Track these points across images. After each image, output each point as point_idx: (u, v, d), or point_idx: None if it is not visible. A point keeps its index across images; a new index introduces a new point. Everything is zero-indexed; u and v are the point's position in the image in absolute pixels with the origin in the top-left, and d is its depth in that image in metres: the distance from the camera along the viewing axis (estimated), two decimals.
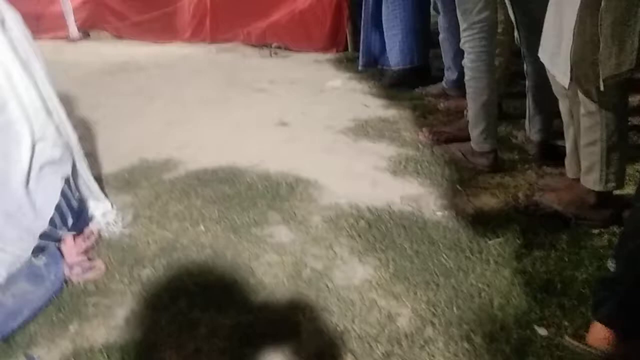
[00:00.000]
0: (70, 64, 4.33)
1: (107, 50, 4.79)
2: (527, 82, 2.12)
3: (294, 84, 3.37)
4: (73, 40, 5.21)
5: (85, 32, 5.36)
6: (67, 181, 1.61)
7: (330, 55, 4.05)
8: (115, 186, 2.05)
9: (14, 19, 1.44)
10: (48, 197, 1.52)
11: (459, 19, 1.97)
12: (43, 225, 1.49)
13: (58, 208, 1.55)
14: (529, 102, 2.14)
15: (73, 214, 1.62)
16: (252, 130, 2.59)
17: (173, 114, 2.85)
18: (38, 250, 1.48)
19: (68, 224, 1.60)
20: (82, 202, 1.71)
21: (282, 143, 2.41)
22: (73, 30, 5.26)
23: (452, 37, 2.68)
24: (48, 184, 1.54)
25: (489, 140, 2.07)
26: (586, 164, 1.62)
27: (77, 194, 1.67)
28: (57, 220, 1.55)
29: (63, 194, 1.58)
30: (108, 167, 2.21)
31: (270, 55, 4.22)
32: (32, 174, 1.47)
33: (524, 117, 2.21)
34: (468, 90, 2.04)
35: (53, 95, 1.60)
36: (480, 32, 1.91)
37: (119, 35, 5.23)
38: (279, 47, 4.31)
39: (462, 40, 1.99)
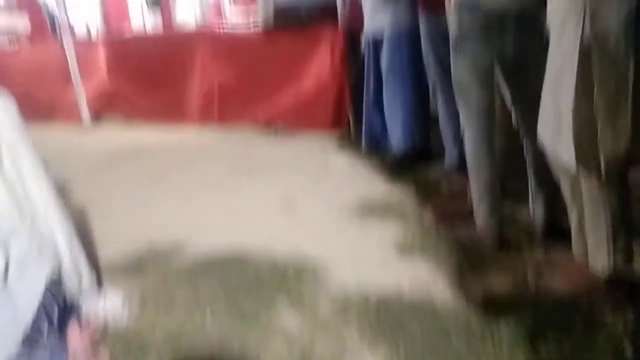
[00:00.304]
0: (82, 149, 4.48)
1: (117, 135, 4.96)
2: (527, 160, 2.16)
3: (299, 164, 3.45)
4: (85, 125, 5.41)
5: (97, 116, 5.57)
6: (53, 276, 1.51)
7: (333, 136, 4.17)
8: (122, 272, 2.05)
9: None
10: (29, 295, 1.42)
11: (457, 104, 2.06)
12: (25, 323, 1.39)
13: (43, 305, 1.46)
14: (530, 180, 2.18)
15: (61, 309, 1.53)
16: (259, 213, 2.62)
17: (180, 199, 2.90)
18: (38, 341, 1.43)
19: (54, 322, 1.50)
20: (73, 296, 1.63)
21: (288, 225, 2.43)
22: (85, 115, 5.47)
23: (451, 122, 2.77)
24: (27, 281, 1.43)
25: (494, 219, 2.08)
26: (592, 244, 1.63)
27: (67, 288, 1.59)
28: (43, 317, 1.46)
29: (50, 290, 1.48)
30: (115, 252, 2.21)
31: (275, 136, 4.36)
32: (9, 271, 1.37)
33: (527, 194, 2.24)
34: (470, 171, 2.08)
35: (38, 186, 1.47)
36: (478, 115, 1.98)
37: (129, 119, 5.43)
38: (284, 128, 4.46)
39: (461, 121, 2.06)
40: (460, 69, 1.95)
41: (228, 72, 4.92)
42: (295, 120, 4.41)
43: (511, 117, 2.25)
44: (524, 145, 2.14)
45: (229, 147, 4.12)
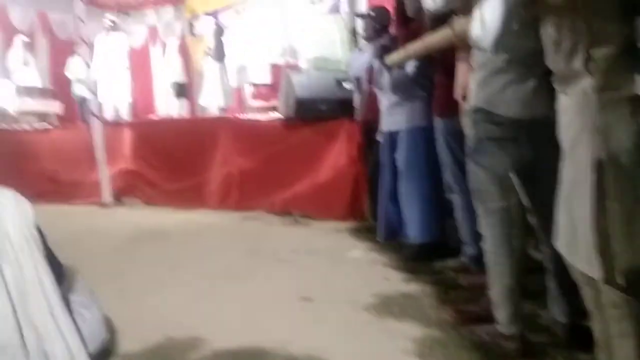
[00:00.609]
0: (102, 230, 4.56)
1: (137, 217, 5.06)
2: (545, 264, 2.17)
3: (316, 254, 3.46)
4: (106, 207, 5.54)
5: (118, 198, 5.72)
6: None
7: (349, 225, 4.22)
8: None
9: (14, 214, 1.36)
10: None
11: (474, 205, 2.10)
12: None
13: None
14: (549, 284, 2.17)
15: None
16: (276, 306, 2.61)
17: (197, 287, 2.91)
18: None
19: None
20: None
21: (305, 321, 2.41)
22: (107, 196, 5.62)
23: (468, 215, 2.81)
24: None
25: (516, 323, 2.05)
26: (620, 356, 1.59)
27: None
28: None
29: None
30: (132, 344, 2.20)
31: (292, 223, 4.41)
32: None
33: (547, 294, 2.22)
34: (489, 274, 2.09)
35: (38, 302, 1.37)
36: (498, 220, 2.01)
37: (149, 202, 5.57)
38: (301, 216, 4.52)
39: (479, 225, 2.10)
40: (478, 176, 2.01)
41: (248, 159, 5.10)
42: (312, 208, 4.50)
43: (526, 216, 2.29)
44: (543, 249, 2.15)
45: (247, 234, 4.17)
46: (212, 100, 8.33)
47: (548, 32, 1.49)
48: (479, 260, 2.79)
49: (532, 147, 1.92)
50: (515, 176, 2.04)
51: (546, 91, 1.83)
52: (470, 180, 2.07)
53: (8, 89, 6.97)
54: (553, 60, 1.53)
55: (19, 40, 7.83)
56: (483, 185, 2.01)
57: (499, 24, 1.49)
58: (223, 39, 8.60)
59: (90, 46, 6.15)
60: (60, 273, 1.63)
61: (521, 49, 1.77)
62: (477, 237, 2.66)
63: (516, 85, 1.84)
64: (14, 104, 6.93)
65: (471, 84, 1.98)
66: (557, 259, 1.95)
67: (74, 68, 7.93)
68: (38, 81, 7.89)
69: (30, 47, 8.02)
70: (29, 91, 7.38)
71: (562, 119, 1.62)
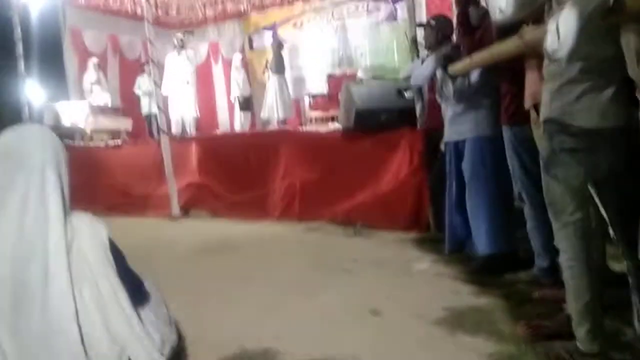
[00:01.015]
0: (171, 242, 4.76)
1: (204, 229, 5.25)
2: (630, 279, 2.06)
3: (380, 265, 3.46)
4: (174, 219, 5.77)
5: (186, 210, 5.95)
6: None
7: (413, 235, 4.18)
8: None
9: (90, 237, 1.40)
10: None
11: (550, 218, 2.04)
12: None
13: None
14: (633, 298, 2.06)
15: None
16: (344, 319, 2.62)
17: (267, 299, 2.98)
18: None
19: None
20: None
21: (375, 335, 2.41)
22: (175, 209, 5.85)
23: (540, 225, 2.72)
24: None
25: (597, 340, 1.97)
26: None
27: None
28: None
29: None
30: (207, 355, 2.28)
31: (355, 234, 4.43)
32: None
33: (629, 309, 2.11)
34: (568, 289, 2.01)
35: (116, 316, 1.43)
36: (575, 232, 1.94)
37: (215, 214, 5.75)
38: (363, 226, 4.52)
39: (556, 239, 2.03)
40: (552, 188, 1.95)
41: (310, 170, 5.17)
42: (375, 219, 4.49)
43: (606, 228, 2.19)
44: (626, 262, 2.05)
45: (311, 245, 4.23)
46: (273, 113, 8.52)
47: (630, 40, 1.44)
48: (552, 272, 2.71)
49: (609, 157, 1.85)
50: (592, 187, 1.97)
51: (623, 100, 1.77)
52: (545, 193, 2.01)
53: (83, 109, 7.44)
54: (634, 70, 1.47)
55: (92, 62, 8.34)
56: (558, 197, 1.95)
57: (575, 36, 1.46)
58: (282, 52, 8.79)
59: (158, 65, 6.45)
60: (138, 288, 1.72)
61: (597, 57, 1.71)
62: (549, 248, 2.58)
63: (592, 94, 1.77)
64: (88, 123, 7.38)
65: (544, 94, 1.92)
66: None
67: (142, 86, 8.35)
68: (109, 100, 8.37)
69: (102, 68, 8.53)
70: (101, 110, 7.85)
71: None
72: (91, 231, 1.40)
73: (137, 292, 1.64)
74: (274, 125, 8.57)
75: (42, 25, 8.04)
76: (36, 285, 1.22)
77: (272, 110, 8.49)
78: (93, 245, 1.38)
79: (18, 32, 6.87)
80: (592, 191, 1.96)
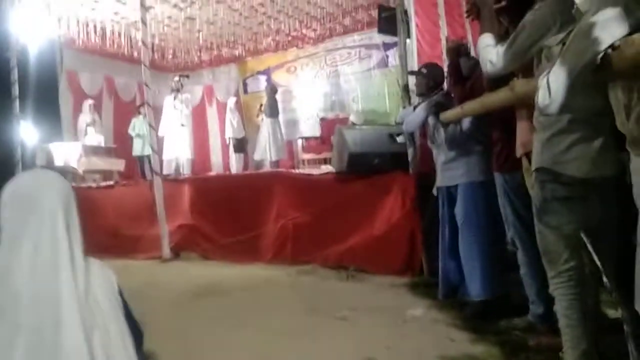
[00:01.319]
0: (161, 285, 4.68)
1: (195, 271, 5.17)
2: (626, 327, 2.06)
3: (374, 312, 3.42)
4: (165, 260, 5.70)
5: (177, 252, 5.88)
6: None
7: (406, 280, 4.16)
8: None
9: (101, 282, 1.40)
10: None
11: (544, 266, 2.05)
12: None
13: None
14: (631, 348, 2.05)
15: None
16: None
17: (259, 346, 2.92)
18: None
19: None
20: None
21: None
22: (166, 251, 5.78)
23: (532, 272, 2.73)
24: None
25: None
26: None
27: None
28: None
29: None
30: None
31: (347, 278, 4.39)
32: None
33: (626, 357, 2.10)
34: (564, 337, 2.00)
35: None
36: (569, 280, 1.95)
37: (206, 256, 5.69)
38: (356, 270, 4.50)
39: (551, 287, 2.03)
40: (546, 236, 1.97)
41: (302, 212, 5.17)
42: (367, 262, 4.47)
43: (600, 275, 2.20)
44: (621, 310, 2.06)
45: (303, 289, 4.18)
46: (265, 154, 8.59)
47: (617, 95, 1.50)
48: (547, 319, 2.69)
49: (602, 206, 1.88)
50: (585, 236, 1.99)
51: (613, 150, 1.81)
52: (538, 241, 2.03)
53: (76, 150, 7.46)
54: (623, 124, 1.52)
55: (88, 104, 8.42)
56: (551, 245, 1.97)
57: (565, 92, 1.51)
58: (277, 96, 8.95)
59: (153, 107, 6.53)
60: (139, 333, 1.71)
61: (586, 109, 1.77)
62: (544, 294, 2.57)
63: (582, 144, 1.82)
64: (81, 163, 7.38)
65: (535, 143, 1.97)
66: (638, 320, 1.87)
67: (137, 127, 8.40)
68: (103, 141, 8.40)
69: (97, 109, 8.61)
70: (94, 150, 7.87)
71: (636, 180, 1.59)
72: (103, 276, 1.40)
73: (138, 337, 1.62)
74: (266, 167, 8.63)
75: (39, 67, 8.15)
76: (49, 330, 1.22)
77: (264, 152, 8.58)
78: (105, 290, 1.39)
79: (15, 74, 6.94)
80: (585, 239, 1.98)
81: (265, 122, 8.65)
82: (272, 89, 8.90)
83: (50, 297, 1.23)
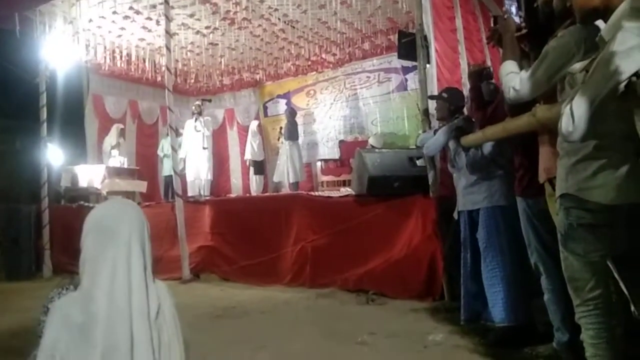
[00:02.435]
0: (181, 305, 4.66)
1: (214, 293, 5.20)
2: None
3: (395, 337, 3.38)
4: (185, 281, 5.74)
5: (196, 273, 5.93)
6: None
7: (426, 304, 4.11)
8: None
9: (168, 303, 1.53)
10: None
11: (570, 294, 2.02)
12: None
13: None
14: None
15: None
16: None
17: None
18: None
19: None
20: None
21: None
22: (186, 272, 5.83)
23: (557, 298, 2.68)
24: None
25: None
26: None
27: None
28: None
29: None
30: None
31: (367, 302, 4.36)
32: None
33: None
34: None
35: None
36: (595, 309, 1.91)
37: (225, 278, 5.72)
38: (375, 294, 4.47)
39: (577, 315, 1.99)
40: (571, 263, 1.93)
41: (321, 235, 5.18)
42: (387, 286, 4.44)
43: (628, 304, 2.16)
44: None
45: (322, 313, 4.16)
46: (284, 177, 8.65)
47: None
48: (573, 347, 2.63)
49: (629, 232, 1.84)
50: (612, 263, 1.95)
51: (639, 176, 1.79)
52: (563, 268, 2.00)
53: (100, 172, 7.61)
54: None
55: (117, 127, 8.63)
56: (577, 273, 1.93)
57: (588, 119, 1.51)
58: (296, 119, 9.05)
59: (175, 130, 6.66)
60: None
61: (612, 134, 1.75)
62: (569, 322, 2.53)
63: (608, 170, 1.78)
64: (104, 185, 7.52)
65: (559, 169, 1.96)
66: None
67: (166, 148, 8.50)
68: (125, 162, 8.56)
69: (121, 132, 8.80)
70: (118, 172, 8.01)
71: None
72: (169, 297, 1.55)
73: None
74: (286, 189, 8.67)
75: (66, 91, 8.40)
76: (124, 348, 1.36)
77: (283, 174, 8.65)
78: (170, 310, 1.52)
79: (44, 99, 7.18)
80: (612, 267, 1.94)
81: (284, 145, 8.74)
82: (292, 113, 9.00)
83: (124, 318, 1.37)
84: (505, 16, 2.35)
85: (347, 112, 9.67)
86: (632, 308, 2.07)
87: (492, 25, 2.57)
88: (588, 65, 1.75)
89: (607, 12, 1.69)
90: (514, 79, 2.07)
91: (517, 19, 2.33)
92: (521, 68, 2.15)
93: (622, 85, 1.47)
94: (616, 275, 1.98)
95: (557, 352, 2.79)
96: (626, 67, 1.46)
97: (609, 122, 1.69)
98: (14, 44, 7.33)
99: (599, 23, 1.83)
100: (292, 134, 8.69)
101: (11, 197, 8.44)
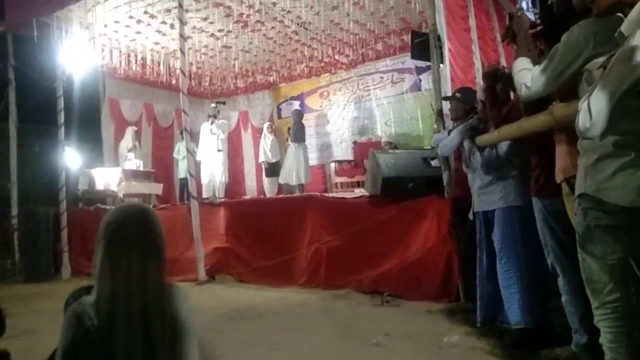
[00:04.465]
0: (197, 307, 4.71)
1: (229, 294, 5.23)
2: None
3: (410, 338, 3.36)
4: (200, 283, 5.77)
5: (212, 275, 5.96)
6: None
7: (442, 306, 4.08)
8: None
9: (183, 305, 1.56)
10: None
11: (589, 297, 1.98)
12: None
13: None
14: None
15: None
16: None
17: None
18: None
19: None
20: None
21: None
22: (202, 273, 5.86)
23: (575, 300, 2.65)
24: None
25: None
26: None
27: None
28: None
29: None
30: None
31: (382, 303, 4.35)
32: None
33: None
34: None
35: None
36: (614, 312, 1.87)
37: (240, 279, 5.74)
38: (390, 295, 4.45)
39: (595, 318, 1.96)
40: (589, 266, 1.89)
41: (336, 236, 5.17)
42: (402, 287, 4.42)
43: None
44: None
45: (338, 314, 4.15)
46: (289, 179, 8.62)
47: None
48: (591, 349, 2.59)
49: None
50: (635, 266, 1.91)
51: None
52: (582, 270, 1.96)
53: (116, 174, 7.71)
54: None
55: (131, 130, 8.72)
56: (595, 275, 1.89)
57: (607, 115, 1.48)
58: (303, 121, 9.03)
59: (191, 132, 6.71)
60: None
61: (633, 132, 1.70)
62: (587, 323, 2.49)
63: (629, 170, 1.71)
64: (121, 187, 7.61)
65: (578, 168, 1.92)
66: None
67: (182, 151, 8.57)
68: (141, 165, 8.65)
69: (137, 135, 8.90)
70: (134, 174, 8.11)
71: None
72: (185, 299, 1.57)
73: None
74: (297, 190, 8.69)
75: (83, 96, 8.53)
76: (139, 350, 1.40)
77: (288, 175, 8.61)
78: (186, 312, 1.55)
79: (61, 103, 7.28)
80: (635, 267, 1.90)
81: (290, 147, 8.72)
82: (298, 115, 8.96)
83: (139, 321, 1.40)
84: (519, 13, 2.33)
85: (361, 112, 9.66)
86: None
87: (507, 23, 2.54)
88: (606, 62, 1.71)
89: (626, 7, 1.66)
90: (526, 75, 2.05)
91: (531, 16, 2.31)
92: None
93: None
94: (638, 276, 1.95)
95: (575, 355, 2.75)
96: None
97: (629, 120, 1.64)
98: (32, 50, 7.48)
99: None
100: (298, 135, 8.66)
101: (30, 200, 8.58)
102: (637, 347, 1.93)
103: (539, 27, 2.25)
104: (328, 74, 9.95)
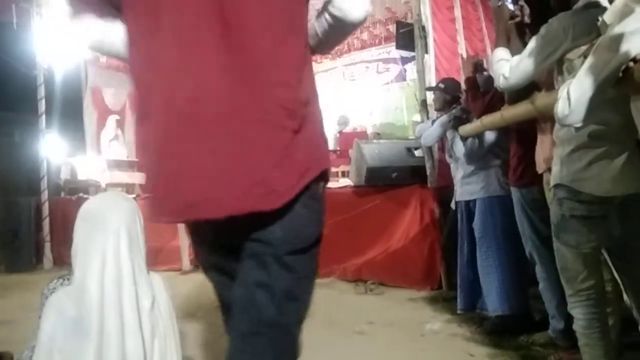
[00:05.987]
0: (182, 296, 4.73)
1: None
2: None
3: (393, 325, 3.41)
4: (185, 272, 5.77)
5: (196, 264, 5.94)
6: None
7: (425, 293, 4.14)
8: None
9: (163, 294, 1.56)
10: None
11: (563, 284, 2.03)
12: None
13: None
14: None
15: None
16: None
17: None
18: None
19: None
20: None
21: None
22: (186, 263, 5.86)
23: (552, 287, 2.71)
24: None
25: None
26: None
27: None
28: None
29: None
30: None
31: (366, 292, 4.39)
32: None
33: None
34: (584, 356, 1.97)
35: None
36: (588, 300, 1.92)
37: None
38: (374, 284, 4.50)
39: (569, 306, 2.00)
40: (564, 254, 1.93)
41: None
42: (386, 276, 4.47)
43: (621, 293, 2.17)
44: None
45: (320, 302, 4.06)
46: None
47: (639, 109, 1.48)
48: (568, 334, 2.65)
49: (623, 224, 1.83)
50: (606, 254, 1.96)
51: (635, 167, 1.76)
52: (556, 259, 2.01)
53: (99, 164, 7.62)
54: None
55: (113, 119, 8.60)
56: (569, 264, 1.93)
57: (587, 102, 1.49)
58: None
59: None
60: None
61: (608, 123, 1.73)
62: (564, 309, 2.54)
63: (603, 161, 1.76)
64: (104, 177, 7.53)
65: (554, 159, 1.95)
66: None
67: None
68: (125, 154, 8.55)
69: (120, 124, 8.78)
70: (117, 164, 8.01)
71: None
72: (164, 288, 1.56)
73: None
74: None
75: (64, 83, 8.37)
76: (116, 336, 1.37)
77: None
78: (165, 301, 1.54)
79: (42, 91, 7.16)
80: (606, 256, 1.95)
81: None
82: None
83: (115, 308, 1.39)
84: (499, 4, 2.34)
85: (346, 102, 9.65)
86: (625, 297, 2.09)
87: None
88: (587, 50, 1.72)
89: None
90: (504, 66, 2.06)
91: (511, 7, 2.32)
92: None
93: (620, 70, 1.43)
94: (610, 264, 2.00)
95: (552, 340, 2.83)
96: (628, 50, 1.41)
97: (605, 111, 1.66)
98: (11, 36, 7.31)
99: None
100: None
101: (10, 190, 8.45)
102: (609, 332, 1.99)
103: (518, 19, 2.26)
104: (313, 63, 9.89)
